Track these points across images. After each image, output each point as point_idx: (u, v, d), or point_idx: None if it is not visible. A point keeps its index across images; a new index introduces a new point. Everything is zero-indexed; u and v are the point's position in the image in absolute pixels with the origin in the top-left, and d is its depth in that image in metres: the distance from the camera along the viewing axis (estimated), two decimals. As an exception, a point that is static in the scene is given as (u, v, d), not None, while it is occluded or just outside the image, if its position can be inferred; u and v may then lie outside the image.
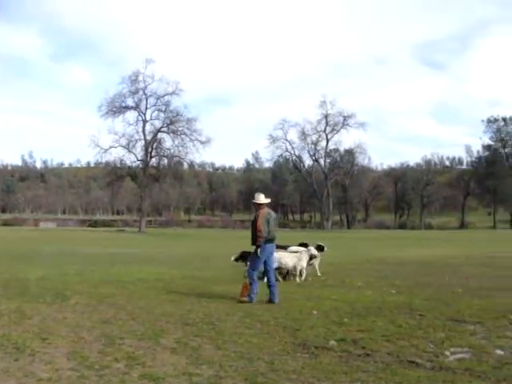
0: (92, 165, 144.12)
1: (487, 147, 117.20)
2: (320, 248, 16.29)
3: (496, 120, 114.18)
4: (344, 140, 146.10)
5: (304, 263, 14.72)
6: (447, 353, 7.02)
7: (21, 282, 14.41)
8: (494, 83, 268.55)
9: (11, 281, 14.71)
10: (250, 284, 11.61)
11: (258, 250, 11.63)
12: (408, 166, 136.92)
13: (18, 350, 7.03)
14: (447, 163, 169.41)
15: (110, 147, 75.62)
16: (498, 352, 7.09)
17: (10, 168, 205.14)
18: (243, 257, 15.82)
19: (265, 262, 11.87)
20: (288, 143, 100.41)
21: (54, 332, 8.20)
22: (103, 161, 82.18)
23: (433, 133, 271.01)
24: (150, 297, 12.02)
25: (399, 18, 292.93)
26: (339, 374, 6.13)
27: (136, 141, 77.38)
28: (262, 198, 12.15)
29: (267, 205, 12.20)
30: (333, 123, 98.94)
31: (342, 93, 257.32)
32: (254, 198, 12.33)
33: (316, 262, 16.15)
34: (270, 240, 11.77)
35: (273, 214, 12.10)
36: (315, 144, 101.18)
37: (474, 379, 5.93)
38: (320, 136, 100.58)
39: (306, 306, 10.77)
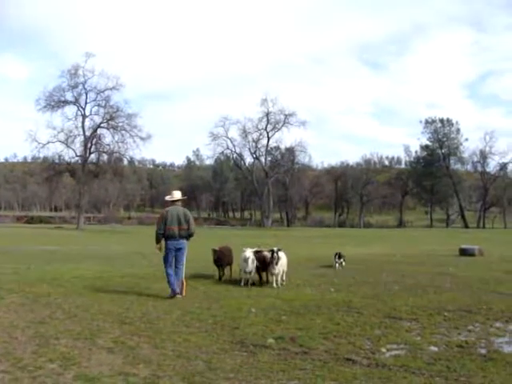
0: (29, 160, 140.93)
1: (425, 147, 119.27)
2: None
3: (433, 121, 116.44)
4: (285, 138, 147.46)
5: (247, 266, 13.40)
6: (383, 349, 7.15)
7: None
8: (432, 85, 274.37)
9: None
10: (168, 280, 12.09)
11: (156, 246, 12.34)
12: (348, 165, 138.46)
13: None
14: (386, 163, 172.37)
15: (48, 142, 73.51)
16: (432, 348, 7.27)
17: None
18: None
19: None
20: (229, 140, 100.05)
21: (-15, 333, 7.98)
22: (41, 156, 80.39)
23: (373, 133, 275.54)
24: (87, 295, 11.84)
25: (339, 18, 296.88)
26: (277, 372, 6.17)
27: (75, 136, 75.65)
28: (175, 195, 12.48)
29: (175, 202, 12.44)
30: (274, 121, 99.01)
31: (283, 91, 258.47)
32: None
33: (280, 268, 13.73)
34: (171, 236, 11.98)
35: (177, 210, 12.19)
36: (256, 142, 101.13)
37: (408, 375, 6.05)
38: (261, 134, 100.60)
39: (244, 303, 10.79)
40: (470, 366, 6.44)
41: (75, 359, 6.57)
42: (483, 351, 7.16)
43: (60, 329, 8.33)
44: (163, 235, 12.02)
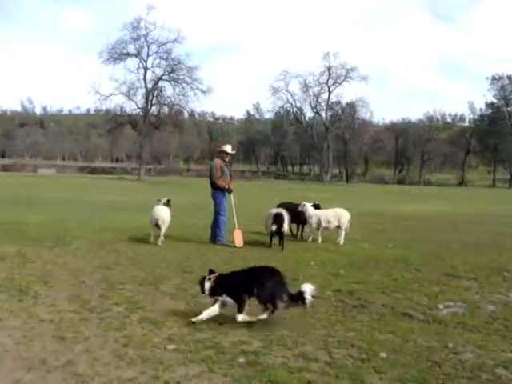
0: (92, 112, 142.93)
1: (490, 105, 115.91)
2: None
3: (501, 78, 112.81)
4: (346, 93, 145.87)
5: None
6: (441, 306, 7.16)
7: (21, 227, 14.53)
8: (503, 39, 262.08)
9: (11, 225, 14.82)
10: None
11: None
12: (410, 121, 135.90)
13: (21, 292, 7.20)
14: (449, 120, 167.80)
15: (111, 94, 74.81)
16: (490, 307, 7.23)
17: (9, 113, 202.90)
18: None
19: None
20: (289, 95, 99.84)
21: (55, 276, 8.36)
22: (103, 108, 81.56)
23: (436, 88, 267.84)
24: (150, 243, 12.17)
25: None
26: (334, 322, 6.28)
27: (137, 88, 76.88)
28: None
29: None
30: (335, 76, 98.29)
31: (345, 45, 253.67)
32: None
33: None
34: None
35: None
36: (317, 96, 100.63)
37: (465, 332, 6.07)
38: (322, 88, 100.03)
39: (303, 256, 10.94)
40: (529, 325, 6.42)
41: (140, 303, 6.83)
42: (543, 311, 7.11)
43: (125, 275, 8.64)
44: None
